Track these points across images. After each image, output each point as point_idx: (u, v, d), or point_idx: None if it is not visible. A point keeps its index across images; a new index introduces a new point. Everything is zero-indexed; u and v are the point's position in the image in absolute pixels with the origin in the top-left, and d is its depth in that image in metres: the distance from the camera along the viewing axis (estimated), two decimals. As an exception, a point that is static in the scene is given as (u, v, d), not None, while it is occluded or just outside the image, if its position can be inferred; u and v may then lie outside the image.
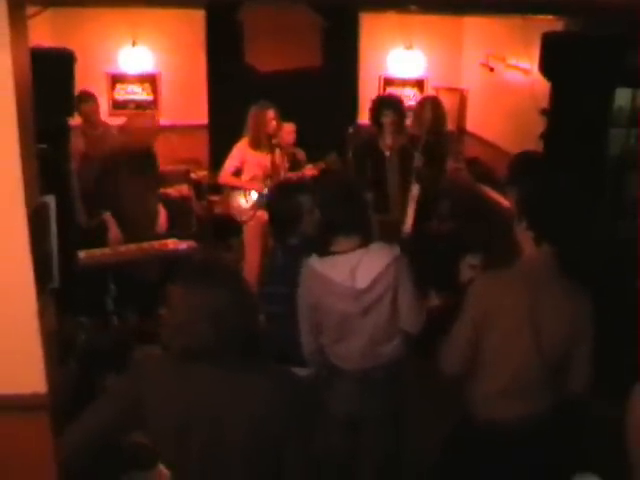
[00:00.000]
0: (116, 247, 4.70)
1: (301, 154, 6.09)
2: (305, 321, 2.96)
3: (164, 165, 5.24)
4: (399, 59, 7.37)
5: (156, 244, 4.76)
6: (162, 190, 5.29)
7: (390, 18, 6.87)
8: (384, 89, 7.38)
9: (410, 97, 7.20)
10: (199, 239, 5.03)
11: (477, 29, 7.11)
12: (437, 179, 5.19)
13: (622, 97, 4.57)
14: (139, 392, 1.99)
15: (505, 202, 3.99)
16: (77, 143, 5.45)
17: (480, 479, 2.71)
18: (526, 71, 5.82)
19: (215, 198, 6.12)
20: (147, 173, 4.91)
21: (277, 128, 5.47)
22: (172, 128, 6.55)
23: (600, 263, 3.64)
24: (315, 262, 2.87)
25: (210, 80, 7.08)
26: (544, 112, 4.90)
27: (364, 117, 5.52)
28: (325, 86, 7.00)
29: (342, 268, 2.82)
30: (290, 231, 3.19)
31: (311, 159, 6.04)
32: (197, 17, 6.83)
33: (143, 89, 7.09)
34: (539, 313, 2.49)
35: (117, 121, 6.29)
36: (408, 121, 5.37)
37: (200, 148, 7.05)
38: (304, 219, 3.14)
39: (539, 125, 4.96)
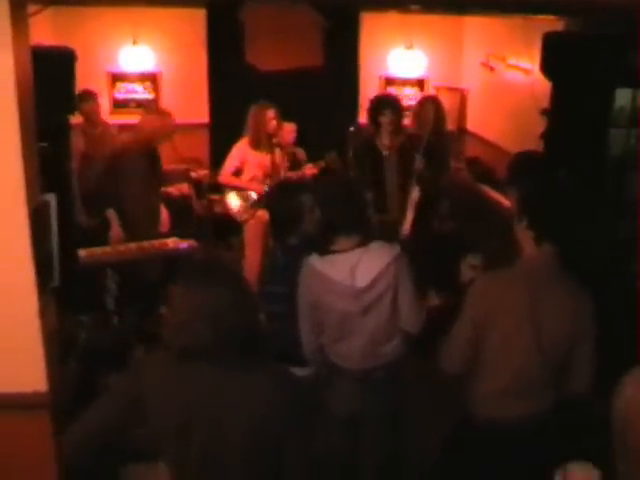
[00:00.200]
0: (116, 246, 4.70)
1: (301, 153, 6.09)
2: (305, 320, 2.96)
3: (164, 164, 5.23)
4: (400, 59, 7.37)
5: (156, 243, 4.76)
6: (163, 189, 5.29)
7: (391, 18, 6.87)
8: (385, 89, 7.37)
9: (410, 97, 7.20)
10: (199, 238, 5.02)
11: (478, 29, 7.10)
12: (438, 180, 5.18)
13: (623, 97, 4.57)
14: (139, 391, 2.00)
15: (505, 202, 3.99)
16: (77, 142, 5.45)
17: (480, 479, 2.71)
18: (527, 71, 5.82)
19: (215, 197, 6.12)
20: (151, 173, 4.90)
21: (277, 127, 5.47)
22: (173, 127, 6.54)
23: (601, 263, 3.64)
24: (315, 261, 2.88)
25: (211, 79, 7.08)
26: (545, 112, 4.90)
27: (365, 117, 5.51)
28: (326, 85, 7.00)
29: (342, 267, 2.82)
30: (290, 230, 3.19)
31: (311, 158, 6.04)
32: (198, 16, 6.82)
33: (144, 88, 7.08)
34: (540, 313, 2.49)
35: (118, 120, 6.33)
36: (406, 121, 5.36)
37: (201, 147, 7.05)
38: (305, 218, 3.14)
39: (539, 125, 4.96)
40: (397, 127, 5.02)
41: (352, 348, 2.94)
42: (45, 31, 5.86)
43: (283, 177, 5.47)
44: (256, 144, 5.41)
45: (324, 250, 2.88)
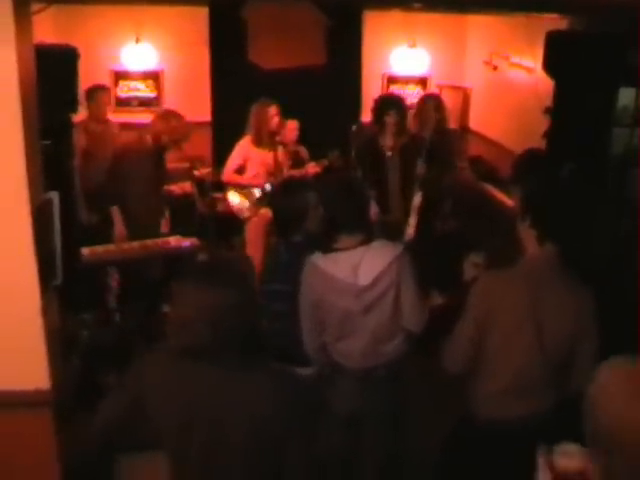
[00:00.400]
0: (119, 244, 4.70)
1: (304, 152, 6.08)
2: (307, 319, 2.96)
3: (167, 162, 5.23)
4: (402, 57, 7.37)
5: (159, 241, 4.76)
6: (165, 187, 5.29)
7: (394, 16, 6.87)
8: (387, 87, 7.37)
9: (413, 95, 7.19)
10: (202, 236, 5.02)
11: (481, 27, 7.09)
12: (442, 181, 5.16)
13: (626, 96, 4.55)
14: (141, 390, 2.00)
15: (508, 201, 3.99)
16: (79, 139, 5.46)
17: (481, 478, 2.71)
18: (530, 69, 5.81)
19: (218, 195, 6.12)
20: (155, 173, 4.90)
21: (280, 125, 5.47)
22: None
23: (603, 261, 3.63)
24: (317, 259, 2.88)
25: (213, 77, 7.08)
26: (547, 111, 4.90)
27: (367, 115, 5.50)
28: (328, 84, 6.99)
29: (344, 265, 2.82)
30: (294, 228, 3.19)
31: (314, 157, 6.04)
32: (201, 14, 6.82)
33: (146, 86, 7.09)
34: (542, 311, 2.49)
35: (120, 118, 6.32)
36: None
37: (203, 145, 7.04)
38: (308, 216, 3.14)
39: (542, 124, 4.95)
40: (401, 128, 5.01)
41: (354, 346, 2.93)
42: (48, 29, 5.86)
43: (286, 175, 5.46)
44: (259, 142, 5.41)
45: (327, 248, 2.88)
